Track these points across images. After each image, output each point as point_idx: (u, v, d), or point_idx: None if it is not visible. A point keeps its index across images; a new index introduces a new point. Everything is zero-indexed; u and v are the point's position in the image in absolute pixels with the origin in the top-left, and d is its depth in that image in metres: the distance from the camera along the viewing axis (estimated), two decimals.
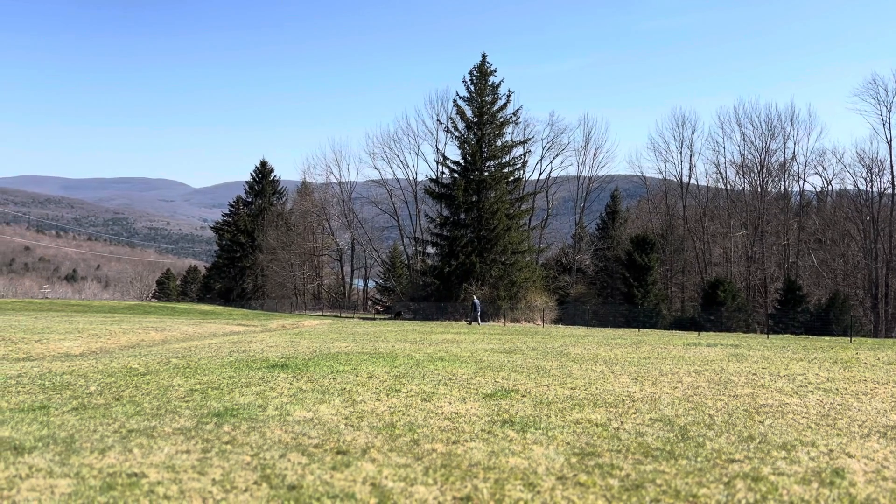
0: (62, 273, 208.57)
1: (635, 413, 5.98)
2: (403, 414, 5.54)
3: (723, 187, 61.90)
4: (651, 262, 50.08)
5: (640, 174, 66.89)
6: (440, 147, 61.68)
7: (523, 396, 6.69)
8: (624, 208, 70.50)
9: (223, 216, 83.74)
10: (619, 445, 4.65)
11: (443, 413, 5.63)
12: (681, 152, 62.21)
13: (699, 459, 4.33)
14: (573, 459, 4.22)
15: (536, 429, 5.08)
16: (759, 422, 5.70)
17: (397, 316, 50.07)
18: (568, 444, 4.64)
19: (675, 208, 62.32)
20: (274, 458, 4.03)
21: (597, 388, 7.50)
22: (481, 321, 38.44)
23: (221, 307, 60.25)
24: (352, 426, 5.00)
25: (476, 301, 39.22)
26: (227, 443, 4.37)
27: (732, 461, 4.30)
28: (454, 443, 4.53)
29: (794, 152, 59.50)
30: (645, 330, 35.48)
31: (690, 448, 4.63)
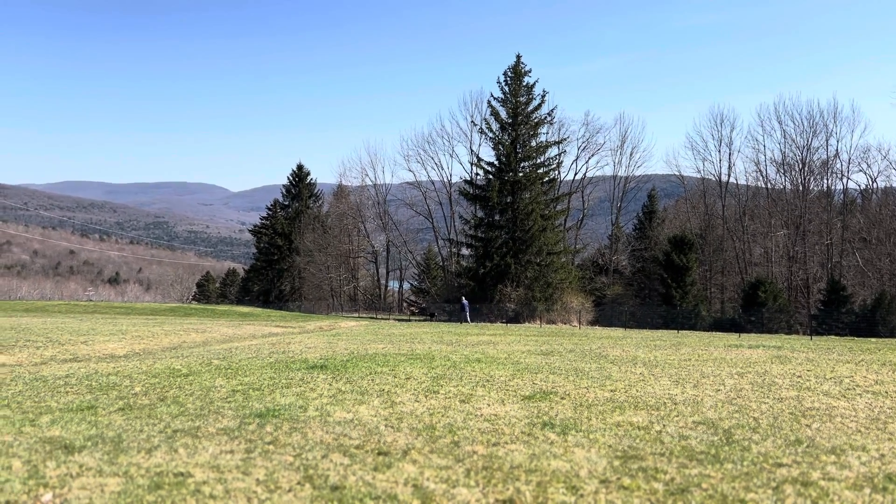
0: (105, 276, 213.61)
1: (677, 416, 5.89)
2: (442, 415, 5.54)
3: (763, 186, 60.72)
4: (689, 263, 49.34)
5: (677, 173, 66.01)
6: (474, 148, 61.66)
7: (562, 399, 6.63)
8: (661, 208, 69.61)
9: (261, 219, 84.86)
10: (662, 449, 4.58)
11: (482, 415, 5.62)
12: (719, 151, 61.21)
13: (745, 464, 4.24)
14: (616, 463, 4.17)
15: (577, 431, 5.03)
16: (806, 425, 5.56)
17: (431, 317, 50.17)
18: (610, 447, 4.59)
19: (714, 208, 61.31)
20: (316, 458, 4.06)
21: (637, 391, 7.40)
22: (469, 320, 41.95)
23: (260, 309, 61.06)
24: (392, 427, 5.02)
25: (465, 301, 43.60)
26: (269, 443, 4.42)
27: (780, 465, 4.20)
28: (494, 445, 4.52)
29: (836, 149, 58.08)
30: (684, 331, 34.96)
31: (736, 452, 4.54)
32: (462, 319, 42.88)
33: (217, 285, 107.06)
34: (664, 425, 5.42)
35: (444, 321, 44.49)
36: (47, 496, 3.28)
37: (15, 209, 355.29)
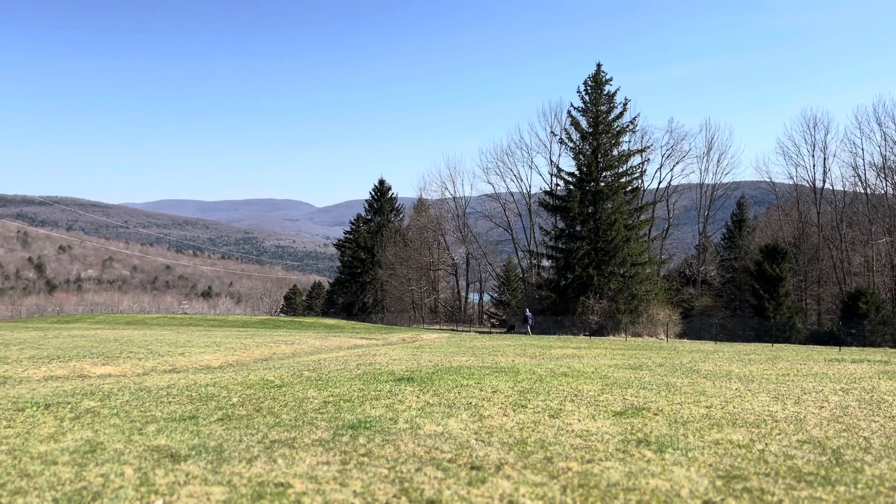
0: (199, 290, 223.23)
1: (780, 434, 5.62)
2: (533, 430, 5.48)
3: (862, 191, 57.47)
4: (783, 273, 47.22)
5: (768, 180, 63.44)
6: (554, 159, 61.20)
7: (655, 415, 6.44)
8: (751, 216, 67.01)
9: (344, 233, 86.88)
10: (766, 469, 4.37)
11: (573, 430, 5.52)
12: (813, 155, 58.42)
13: (859, 486, 3.99)
14: (718, 482, 4.01)
15: (675, 449, 4.87)
16: None
17: (511, 329, 49.87)
18: (710, 465, 4.42)
19: (809, 215, 58.50)
20: (410, 471, 4.08)
21: (734, 407, 7.11)
22: (531, 332, 42.24)
23: (344, 321, 62.32)
24: (482, 441, 4.99)
25: (528, 313, 43.68)
26: (363, 455, 4.48)
27: None
28: (589, 462, 4.42)
29: None
30: (779, 345, 33.44)
31: (848, 473, 4.29)
32: (523, 331, 43.41)
33: (303, 298, 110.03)
34: (766, 444, 5.18)
35: (525, 333, 44.15)
36: (158, 503, 3.43)
37: (116, 227, 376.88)
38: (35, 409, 6.29)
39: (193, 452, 4.49)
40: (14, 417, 5.85)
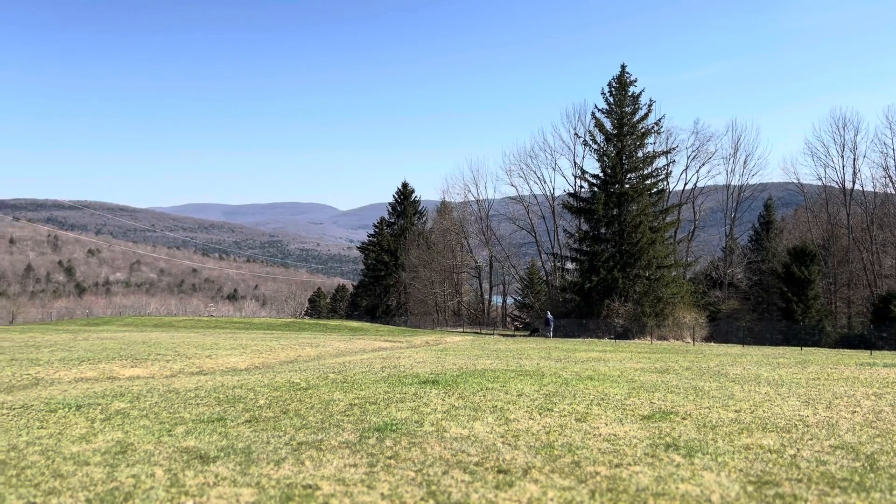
0: (224, 293, 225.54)
1: (811, 439, 5.52)
2: (559, 434, 5.44)
3: (893, 192, 56.40)
4: (812, 276, 46.48)
5: (796, 181, 62.47)
6: (578, 161, 60.80)
7: (684, 419, 6.37)
8: (779, 218, 66.11)
9: (368, 237, 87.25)
10: (798, 474, 4.30)
11: (600, 434, 5.48)
12: (842, 156, 57.43)
13: (895, 493, 3.91)
14: (749, 488, 3.95)
15: (704, 454, 4.81)
16: None
17: (534, 333, 49.68)
18: (741, 470, 4.36)
19: (838, 216, 57.55)
20: (437, 474, 4.08)
21: (764, 412, 7.01)
22: (551, 335, 42.58)
23: (368, 323, 62.54)
24: (509, 445, 4.97)
25: (549, 316, 44.31)
26: (390, 458, 4.48)
27: None
28: (617, 466, 4.38)
29: None
30: (808, 348, 32.91)
31: (883, 480, 4.20)
32: (544, 334, 43.58)
33: (327, 301, 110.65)
34: (798, 449, 5.10)
35: (549, 336, 43.95)
36: None
37: (144, 231, 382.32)
38: (67, 410, 6.39)
39: (222, 454, 4.53)
40: (47, 418, 5.95)
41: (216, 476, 3.97)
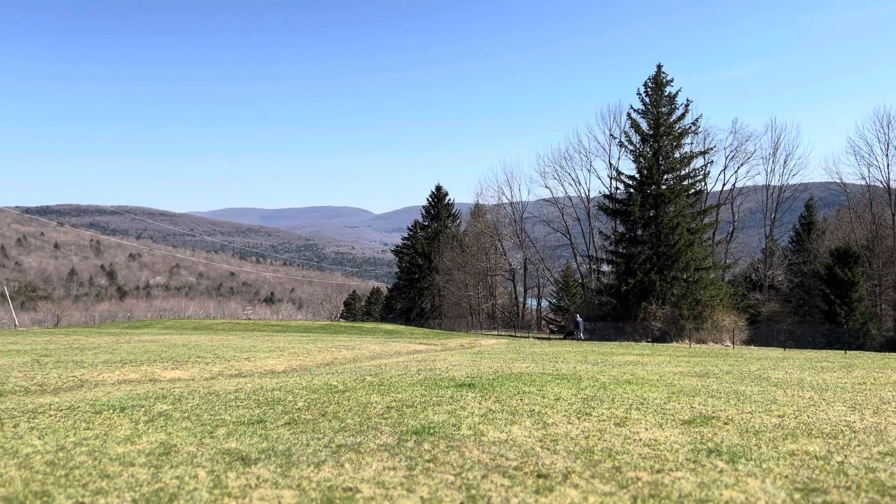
0: (261, 296, 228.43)
1: (859, 445, 5.38)
2: (599, 439, 5.39)
3: None
4: (855, 277, 45.31)
5: (838, 181, 61.06)
6: (613, 162, 60.29)
7: (725, 424, 6.26)
8: (821, 219, 64.62)
9: (402, 240, 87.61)
10: (847, 482, 4.19)
11: (640, 439, 5.40)
12: (887, 154, 55.91)
13: None
14: (796, 496, 3.86)
15: (748, 460, 4.71)
16: None
17: (568, 336, 49.31)
18: (786, 477, 4.26)
19: (883, 217, 56.02)
20: (476, 478, 4.06)
21: (808, 417, 6.85)
22: (582, 338, 43.17)
23: (403, 326, 62.77)
24: (548, 449, 4.94)
25: (579, 319, 44.90)
26: (428, 461, 4.48)
27: None
28: (658, 472, 4.32)
29: None
30: (852, 352, 32.08)
31: None
32: (575, 337, 43.69)
33: (362, 303, 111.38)
34: (845, 455, 4.97)
35: (586, 339, 43.61)
36: None
37: (183, 235, 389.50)
38: (111, 411, 6.52)
39: (263, 456, 4.58)
40: (92, 420, 6.08)
41: (258, 478, 4.01)
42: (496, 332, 59.33)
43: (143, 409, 6.65)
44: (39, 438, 5.21)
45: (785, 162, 60.84)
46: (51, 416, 6.29)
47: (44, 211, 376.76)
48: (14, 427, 5.70)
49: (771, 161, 60.73)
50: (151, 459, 4.48)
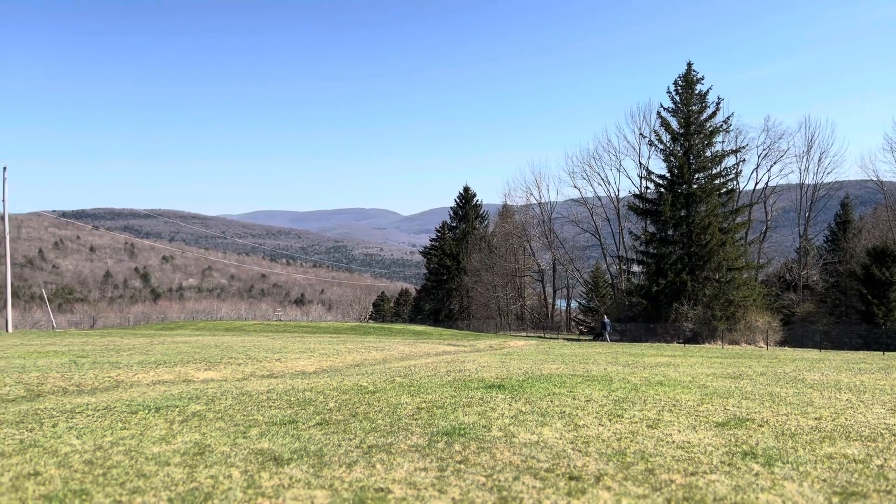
0: (292, 297, 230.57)
1: None
2: (631, 441, 5.33)
3: None
4: (893, 277, 44.30)
5: (874, 178, 59.81)
6: (643, 161, 59.74)
7: (760, 426, 6.15)
8: (857, 217, 63.30)
9: (430, 241, 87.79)
10: (887, 486, 4.09)
11: (673, 442, 5.34)
12: None
13: None
14: (835, 500, 3.78)
15: (784, 463, 4.63)
16: None
17: (597, 337, 48.93)
18: (824, 481, 4.17)
19: None
20: (508, 480, 4.05)
21: (846, 419, 6.70)
22: (609, 339, 43.07)
23: (431, 327, 62.86)
24: (579, 451, 4.90)
25: (606, 320, 44.55)
26: (459, 462, 4.48)
27: None
28: (692, 474, 4.26)
29: None
30: (890, 353, 31.34)
31: None
32: (602, 338, 43.60)
33: (391, 305, 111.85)
34: (885, 459, 4.85)
35: (616, 341, 43.26)
36: None
37: (214, 238, 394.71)
38: (147, 412, 6.63)
39: (295, 456, 4.62)
40: (128, 420, 6.19)
41: (290, 478, 4.05)
42: (525, 334, 59.13)
43: (177, 410, 6.75)
44: (77, 438, 5.31)
45: (819, 160, 59.79)
46: (88, 416, 6.42)
47: (80, 215, 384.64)
48: (53, 427, 5.83)
49: (805, 159, 59.74)
50: (186, 459, 4.54)
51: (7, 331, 41.88)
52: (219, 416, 6.35)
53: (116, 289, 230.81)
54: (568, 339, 47.23)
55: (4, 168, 42.53)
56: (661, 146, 49.85)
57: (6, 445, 5.04)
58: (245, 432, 5.53)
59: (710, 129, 48.35)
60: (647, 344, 36.72)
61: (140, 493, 3.76)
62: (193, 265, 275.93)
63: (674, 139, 48.76)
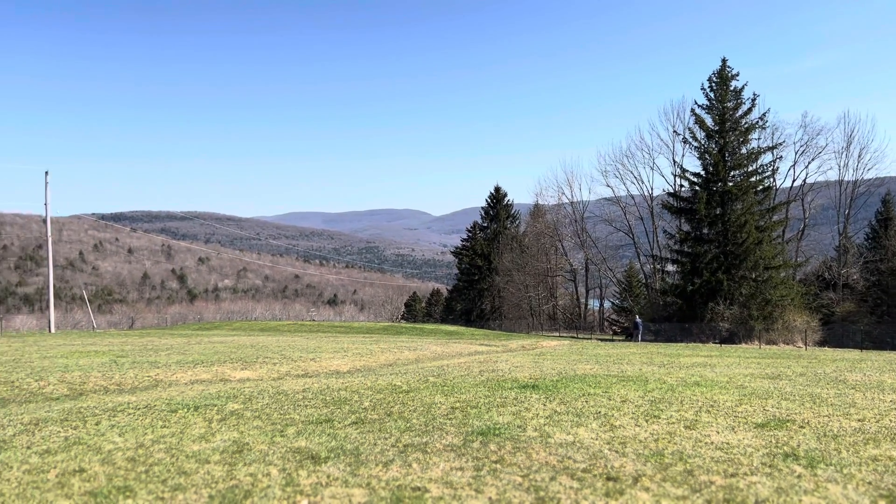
0: (325, 298, 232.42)
1: None
2: (669, 441, 5.27)
3: None
4: None
5: None
6: (677, 159, 58.99)
7: (801, 428, 6.03)
8: None
9: (461, 241, 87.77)
10: None
11: (712, 443, 5.26)
12: None
13: None
14: (881, 503, 3.69)
15: (827, 465, 4.53)
16: None
17: (629, 337, 48.45)
18: (869, 483, 4.08)
19: None
20: (545, 480, 4.04)
21: (890, 421, 6.54)
22: (640, 339, 42.67)
23: (463, 327, 62.84)
24: (616, 452, 4.86)
25: (638, 320, 44.11)
26: (495, 462, 4.47)
27: None
28: (732, 476, 4.20)
29: None
30: None
31: None
32: (634, 339, 43.29)
33: (423, 305, 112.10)
34: None
35: (650, 341, 42.78)
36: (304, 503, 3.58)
37: (249, 239, 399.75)
38: (186, 410, 6.75)
39: (332, 455, 4.66)
40: (168, 418, 6.31)
41: (328, 476, 4.08)
42: (557, 334, 58.79)
43: (215, 409, 6.85)
44: (120, 436, 5.43)
45: (859, 156, 58.46)
46: (129, 414, 6.56)
47: (118, 217, 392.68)
48: (96, 425, 5.96)
49: (844, 155, 58.45)
50: (225, 457, 4.61)
51: (50, 331, 42.96)
52: (256, 415, 6.43)
53: (154, 290, 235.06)
54: (601, 340, 46.84)
55: (46, 173, 43.62)
56: (696, 144, 49.22)
57: (52, 443, 5.18)
58: (282, 431, 5.60)
59: (746, 125, 47.58)
60: (683, 344, 36.24)
61: (181, 489, 3.83)
62: (229, 266, 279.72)
63: (708, 136, 48.08)
